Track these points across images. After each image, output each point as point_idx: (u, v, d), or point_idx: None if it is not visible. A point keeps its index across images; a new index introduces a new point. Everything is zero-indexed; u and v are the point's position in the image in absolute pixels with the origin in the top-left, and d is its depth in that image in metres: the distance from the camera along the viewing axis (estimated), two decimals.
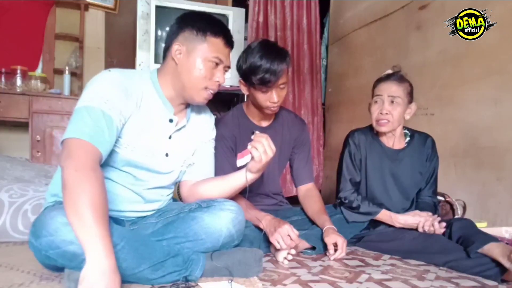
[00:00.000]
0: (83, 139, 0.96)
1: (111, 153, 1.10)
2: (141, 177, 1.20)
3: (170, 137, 1.24)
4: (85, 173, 0.91)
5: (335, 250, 1.43)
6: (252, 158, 1.20)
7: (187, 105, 1.30)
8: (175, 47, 1.18)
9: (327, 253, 1.45)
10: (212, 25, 1.20)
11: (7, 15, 2.69)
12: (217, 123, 1.52)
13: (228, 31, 1.24)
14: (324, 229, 1.49)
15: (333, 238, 1.43)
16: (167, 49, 1.23)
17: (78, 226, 0.86)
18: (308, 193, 1.67)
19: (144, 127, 1.16)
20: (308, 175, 1.71)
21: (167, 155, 1.24)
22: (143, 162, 1.17)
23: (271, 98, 1.46)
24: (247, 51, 1.47)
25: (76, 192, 0.88)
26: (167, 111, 1.22)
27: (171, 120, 1.23)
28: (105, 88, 1.06)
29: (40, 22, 2.83)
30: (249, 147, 1.19)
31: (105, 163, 1.12)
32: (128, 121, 1.11)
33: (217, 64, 1.21)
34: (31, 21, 2.79)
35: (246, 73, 1.46)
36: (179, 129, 1.27)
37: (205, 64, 1.18)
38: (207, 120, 1.40)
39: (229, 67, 1.26)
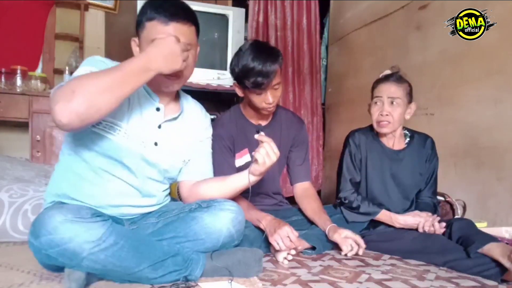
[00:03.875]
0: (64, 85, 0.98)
1: (106, 141, 1.12)
2: (134, 168, 1.19)
3: (159, 127, 1.24)
4: (71, 85, 0.94)
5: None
6: (256, 161, 1.20)
7: (176, 96, 1.31)
8: (132, 42, 1.21)
9: (347, 251, 1.42)
10: (148, 10, 1.14)
11: (7, 15, 2.69)
12: (214, 123, 1.52)
13: (167, 8, 1.12)
14: (327, 230, 1.48)
15: (338, 234, 1.42)
16: None
17: (124, 80, 0.98)
18: (306, 193, 1.66)
19: (133, 114, 1.17)
20: (304, 174, 1.70)
21: (156, 144, 1.23)
22: (135, 149, 1.17)
23: (266, 100, 1.47)
24: (238, 54, 1.47)
25: (82, 88, 0.93)
26: (152, 100, 1.23)
27: (158, 109, 1.23)
28: (90, 64, 1.11)
29: (40, 22, 2.82)
30: (256, 155, 1.20)
31: (100, 153, 1.14)
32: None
33: None
34: (31, 21, 2.79)
35: (239, 76, 1.46)
36: (170, 120, 1.27)
37: None
38: (202, 118, 1.40)
39: (189, 44, 1.15)
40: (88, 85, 0.95)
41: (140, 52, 1.18)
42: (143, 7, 1.17)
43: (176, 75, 1.13)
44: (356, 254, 1.43)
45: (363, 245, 1.43)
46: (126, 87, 1.00)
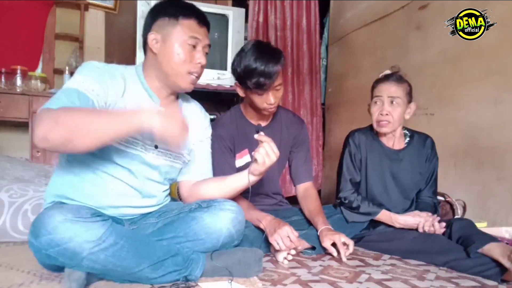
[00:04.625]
0: (51, 108, 0.97)
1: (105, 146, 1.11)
2: (134, 169, 1.20)
3: None
4: (56, 115, 0.93)
5: (338, 250, 1.42)
6: (256, 161, 1.20)
7: (176, 97, 1.31)
8: (151, 36, 1.19)
9: (336, 256, 1.44)
10: (182, 8, 1.21)
11: (7, 15, 2.69)
12: (215, 124, 1.52)
13: (200, 12, 1.23)
14: (318, 232, 1.48)
15: (328, 240, 1.42)
16: (144, 44, 1.24)
17: (111, 130, 0.94)
18: (306, 193, 1.66)
19: None
20: (306, 174, 1.70)
21: (156, 147, 1.23)
22: (135, 154, 1.18)
23: (267, 100, 1.46)
24: (240, 54, 1.47)
25: (64, 122, 0.92)
26: (153, 103, 1.23)
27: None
28: (83, 73, 1.10)
29: (40, 22, 2.83)
30: (256, 154, 1.20)
31: (102, 158, 1.14)
32: (111, 107, 1.12)
33: (194, 47, 1.20)
34: (31, 21, 2.79)
35: (241, 76, 1.46)
36: None
37: (183, 48, 1.18)
38: (201, 118, 1.40)
39: (209, 46, 1.25)
40: (71, 122, 0.92)
41: (162, 42, 1.18)
42: (169, 4, 1.22)
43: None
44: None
45: (350, 248, 1.43)
46: (107, 137, 0.96)
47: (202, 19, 1.22)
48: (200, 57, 1.21)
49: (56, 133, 0.92)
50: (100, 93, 1.08)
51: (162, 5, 1.24)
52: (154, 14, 1.22)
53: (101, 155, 1.14)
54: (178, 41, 1.18)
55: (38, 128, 0.92)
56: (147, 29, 1.23)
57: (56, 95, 1.03)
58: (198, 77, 1.25)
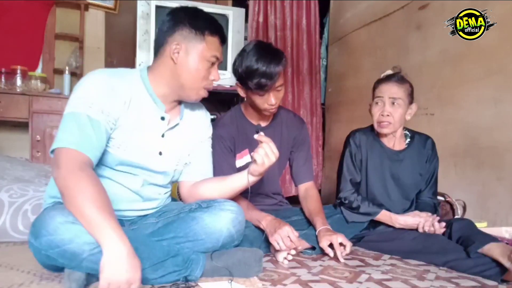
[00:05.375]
0: (69, 147, 0.98)
1: (106, 154, 1.12)
2: (138, 175, 1.20)
3: (163, 136, 1.24)
4: (74, 176, 0.93)
5: (335, 251, 1.42)
6: (255, 161, 1.20)
7: (180, 102, 1.30)
8: (173, 46, 1.17)
9: (332, 256, 1.44)
10: (209, 24, 1.20)
11: (7, 15, 2.69)
12: (215, 124, 1.52)
13: (222, 28, 1.24)
14: (317, 233, 1.48)
15: (326, 241, 1.42)
16: (160, 46, 1.20)
17: (87, 225, 0.90)
18: (307, 193, 1.66)
19: (135, 126, 1.16)
20: (307, 174, 1.70)
21: (160, 153, 1.23)
22: (136, 161, 1.17)
23: (268, 101, 1.46)
24: (242, 55, 1.46)
25: (72, 196, 0.92)
26: (158, 109, 1.21)
27: (162, 118, 1.22)
28: (90, 91, 1.06)
29: (40, 22, 2.83)
30: (255, 155, 1.20)
31: (101, 163, 1.14)
32: (118, 121, 1.12)
33: (213, 64, 1.21)
34: (31, 21, 2.79)
35: (242, 77, 1.45)
36: (173, 128, 1.26)
37: (203, 64, 1.19)
38: (202, 118, 1.39)
39: (221, 62, 1.27)
40: (72, 193, 0.93)
41: (184, 54, 1.17)
42: (196, 14, 1.20)
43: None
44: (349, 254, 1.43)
45: (348, 249, 1.42)
46: (81, 222, 0.93)
47: (224, 37, 1.24)
48: (215, 74, 1.23)
49: (59, 186, 0.95)
50: (110, 112, 1.08)
51: (186, 13, 1.20)
52: (178, 21, 1.18)
53: (104, 161, 1.13)
54: (201, 57, 1.18)
55: (55, 170, 0.96)
56: (167, 32, 1.18)
57: (69, 124, 1.01)
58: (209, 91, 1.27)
